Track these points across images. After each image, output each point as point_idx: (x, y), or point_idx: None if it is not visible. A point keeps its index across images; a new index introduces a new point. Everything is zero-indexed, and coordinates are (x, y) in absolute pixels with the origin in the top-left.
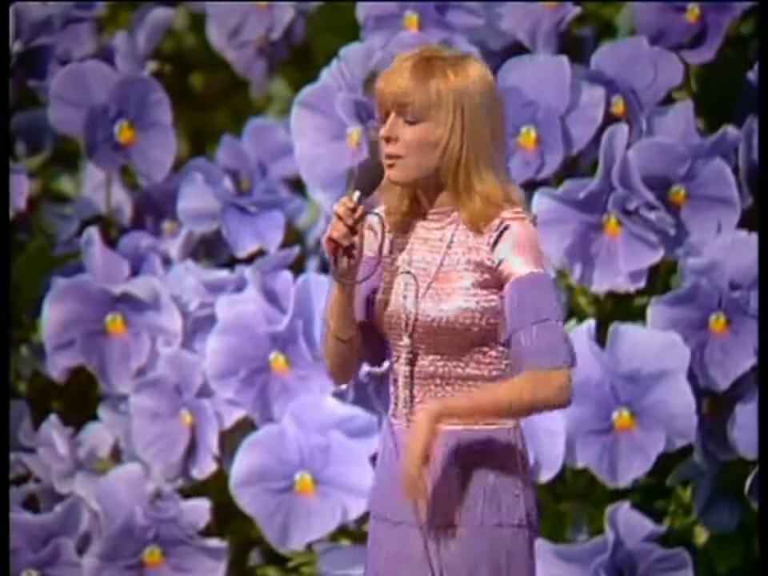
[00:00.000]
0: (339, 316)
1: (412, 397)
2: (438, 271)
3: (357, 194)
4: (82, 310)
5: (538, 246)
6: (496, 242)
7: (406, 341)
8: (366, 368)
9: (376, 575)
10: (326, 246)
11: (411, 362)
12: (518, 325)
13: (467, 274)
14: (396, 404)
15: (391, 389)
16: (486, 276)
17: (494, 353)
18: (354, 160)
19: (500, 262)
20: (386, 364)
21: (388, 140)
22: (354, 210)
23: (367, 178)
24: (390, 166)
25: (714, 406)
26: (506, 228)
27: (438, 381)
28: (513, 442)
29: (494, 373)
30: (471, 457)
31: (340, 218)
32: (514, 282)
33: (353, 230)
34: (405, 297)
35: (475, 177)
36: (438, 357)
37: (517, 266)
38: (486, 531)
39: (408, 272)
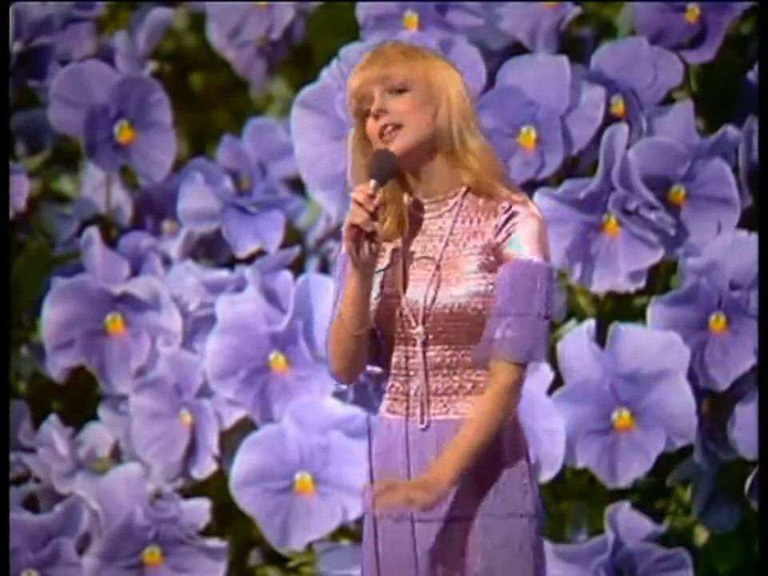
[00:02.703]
0: (357, 308)
1: (427, 389)
2: (441, 259)
3: (373, 182)
4: (82, 310)
5: (546, 234)
6: (504, 225)
7: (417, 331)
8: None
9: (378, 571)
10: (348, 233)
11: (423, 354)
12: (500, 310)
13: (473, 258)
14: (396, 398)
15: (391, 383)
16: (492, 258)
17: None
18: None
19: (503, 242)
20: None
21: (379, 115)
22: (372, 197)
23: (381, 168)
24: (390, 139)
25: (714, 406)
26: (514, 212)
27: (445, 371)
28: (517, 432)
29: None
30: None
31: (360, 204)
32: (511, 264)
33: (374, 216)
34: (406, 286)
35: (467, 136)
36: (447, 346)
37: (519, 249)
38: (498, 521)
39: (427, 257)
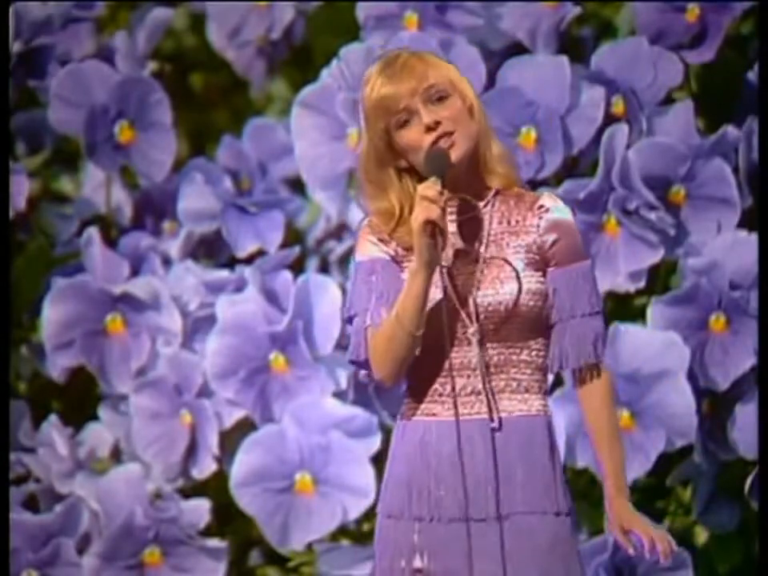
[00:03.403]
0: (420, 307)
1: (485, 386)
2: (484, 259)
3: (433, 178)
4: (82, 310)
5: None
6: (546, 227)
7: (473, 330)
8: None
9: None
10: (424, 229)
11: (479, 352)
12: (576, 312)
13: (519, 256)
14: (435, 400)
15: (426, 385)
16: (537, 257)
17: (542, 339)
18: (353, 160)
19: (552, 245)
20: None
21: (431, 128)
22: (441, 193)
23: (438, 164)
24: (449, 147)
25: (714, 406)
26: (552, 216)
27: (492, 369)
28: (553, 431)
29: (540, 360)
30: (529, 444)
31: (432, 200)
32: (571, 269)
33: (444, 212)
34: (454, 287)
35: (492, 141)
36: (495, 344)
37: (572, 254)
38: (547, 519)
39: (469, 258)
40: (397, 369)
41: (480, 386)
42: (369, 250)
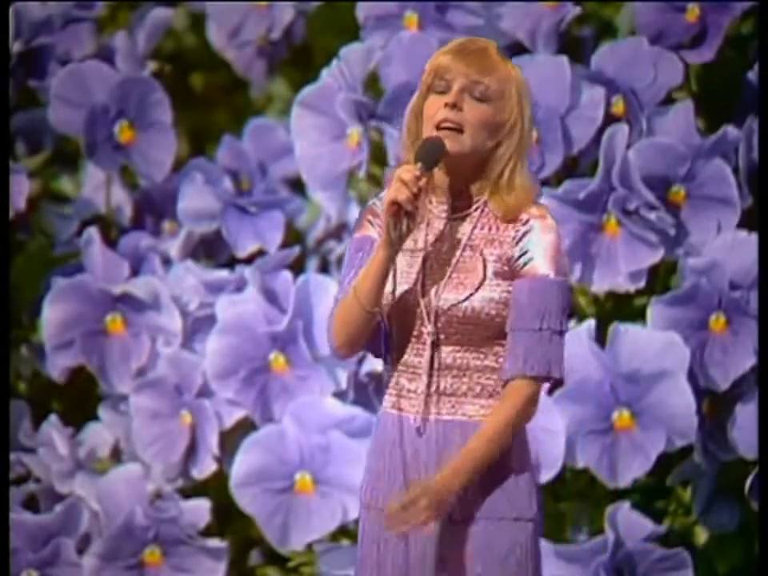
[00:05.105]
0: (375, 284)
1: (429, 388)
2: (458, 262)
3: (419, 165)
4: (82, 310)
5: (562, 248)
6: (521, 238)
7: (429, 329)
8: (365, 367)
9: (378, 567)
10: (389, 209)
11: (432, 352)
12: (516, 326)
13: (489, 264)
14: (401, 395)
15: (397, 380)
16: (506, 268)
17: None
18: (354, 160)
19: (520, 257)
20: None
21: (452, 106)
22: (418, 178)
23: (429, 153)
24: (448, 134)
25: (714, 406)
26: (531, 227)
27: (455, 372)
28: (523, 436)
29: None
30: None
31: (405, 183)
32: (528, 280)
33: (415, 197)
34: (423, 284)
35: (517, 172)
36: (458, 347)
37: (535, 265)
38: (505, 525)
39: (444, 260)
40: (350, 340)
41: (443, 386)
42: (365, 228)
